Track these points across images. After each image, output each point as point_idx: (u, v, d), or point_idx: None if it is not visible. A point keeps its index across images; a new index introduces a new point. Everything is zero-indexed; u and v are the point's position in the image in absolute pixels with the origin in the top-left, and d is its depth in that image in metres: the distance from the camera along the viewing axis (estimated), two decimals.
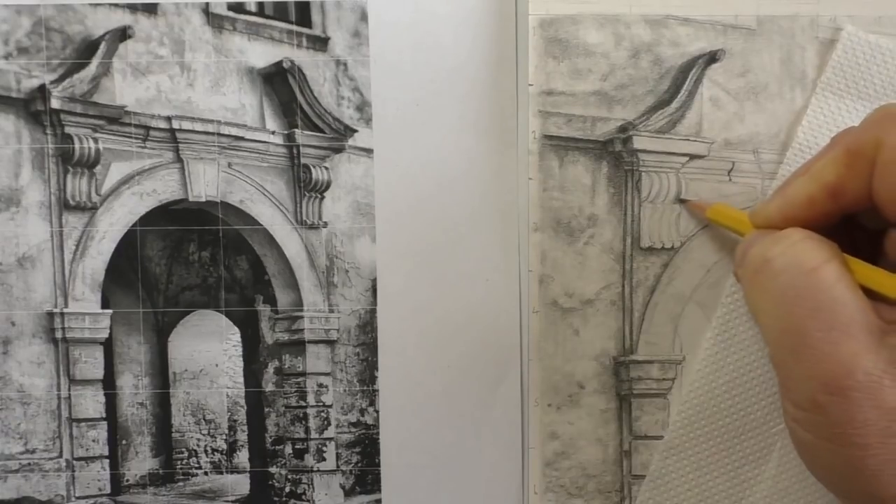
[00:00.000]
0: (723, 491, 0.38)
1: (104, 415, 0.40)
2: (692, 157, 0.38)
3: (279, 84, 0.39)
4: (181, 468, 0.41)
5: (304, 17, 0.39)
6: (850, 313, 0.26)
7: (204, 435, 0.41)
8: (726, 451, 0.37)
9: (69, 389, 0.40)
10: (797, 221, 0.30)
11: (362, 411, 0.40)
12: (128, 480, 0.40)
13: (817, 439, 0.27)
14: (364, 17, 0.39)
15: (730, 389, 0.37)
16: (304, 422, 0.40)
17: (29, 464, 0.40)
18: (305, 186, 0.40)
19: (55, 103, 0.38)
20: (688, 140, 0.38)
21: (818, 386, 0.26)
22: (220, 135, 0.39)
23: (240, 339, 0.41)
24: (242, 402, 0.41)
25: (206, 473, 0.41)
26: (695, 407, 0.37)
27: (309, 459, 0.41)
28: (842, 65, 0.37)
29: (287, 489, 0.41)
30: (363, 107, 0.39)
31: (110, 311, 0.40)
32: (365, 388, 0.40)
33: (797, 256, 0.28)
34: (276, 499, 0.41)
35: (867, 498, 0.27)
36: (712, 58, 0.38)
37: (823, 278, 0.27)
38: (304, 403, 0.40)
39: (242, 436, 0.41)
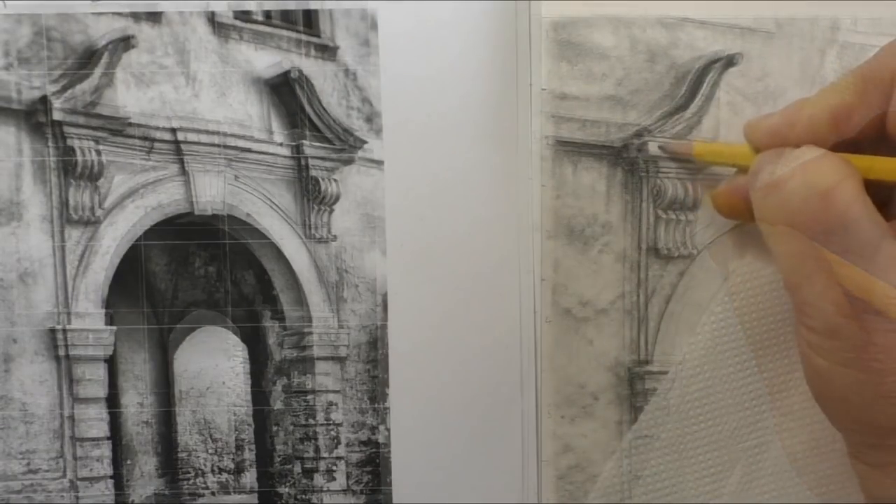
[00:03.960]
0: (678, 500, 0.35)
1: (108, 434, 0.37)
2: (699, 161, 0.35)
3: (286, 94, 0.36)
4: (187, 489, 0.38)
5: (312, 26, 0.36)
6: (865, 235, 0.24)
7: (211, 454, 0.38)
8: (688, 459, 0.35)
9: (72, 408, 0.37)
10: (792, 143, 0.27)
11: (373, 429, 0.37)
12: (133, 501, 0.37)
13: (832, 365, 0.25)
14: (373, 25, 0.35)
15: (702, 398, 0.35)
16: (313, 440, 0.37)
17: (32, 484, 0.37)
18: (314, 199, 0.37)
19: (57, 114, 0.35)
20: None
21: (834, 309, 0.24)
22: (226, 146, 0.36)
23: (247, 356, 0.37)
24: (250, 420, 0.37)
25: (213, 494, 0.38)
26: (663, 409, 0.35)
27: (318, 479, 0.37)
28: None
29: None
30: (373, 117, 0.36)
31: (114, 327, 0.37)
32: (376, 405, 0.37)
33: (809, 177, 0.25)
34: None
35: (876, 428, 0.25)
36: (730, 61, 0.35)
37: (837, 200, 0.24)
38: (313, 422, 0.37)
39: (250, 455, 0.38)
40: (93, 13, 0.35)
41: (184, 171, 0.36)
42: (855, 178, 0.25)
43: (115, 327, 0.37)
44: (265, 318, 0.37)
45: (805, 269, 0.25)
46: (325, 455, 0.37)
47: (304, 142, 0.36)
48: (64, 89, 0.35)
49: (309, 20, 0.36)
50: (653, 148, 0.35)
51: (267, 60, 0.36)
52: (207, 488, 0.37)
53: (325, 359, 0.37)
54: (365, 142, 0.36)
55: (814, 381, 0.26)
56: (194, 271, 0.37)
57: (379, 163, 0.36)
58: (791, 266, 0.26)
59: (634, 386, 0.36)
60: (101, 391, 0.37)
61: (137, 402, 0.37)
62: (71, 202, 0.36)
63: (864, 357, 0.24)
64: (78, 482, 0.37)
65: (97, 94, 0.35)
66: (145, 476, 0.37)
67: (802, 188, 0.25)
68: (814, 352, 0.26)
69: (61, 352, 0.36)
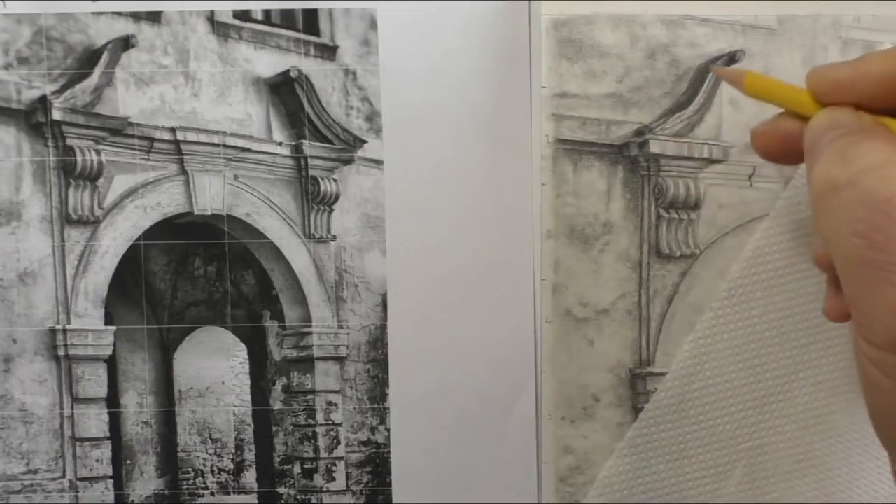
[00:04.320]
0: (677, 500, 0.34)
1: (108, 434, 0.36)
2: (711, 161, 0.35)
3: (286, 94, 0.36)
4: (187, 488, 0.37)
5: (311, 25, 0.35)
6: None
7: (210, 454, 0.37)
8: (688, 459, 0.34)
9: (72, 408, 0.36)
10: (863, 100, 0.25)
11: (373, 430, 0.36)
12: (133, 501, 0.37)
13: (893, 381, 0.23)
14: (373, 24, 0.35)
15: (702, 397, 0.34)
16: (312, 441, 0.37)
17: (31, 484, 0.36)
18: (313, 199, 0.36)
19: (56, 115, 0.35)
20: (707, 144, 0.35)
21: None
22: (225, 146, 0.36)
23: (247, 356, 0.37)
24: (249, 420, 0.37)
25: (212, 494, 0.37)
26: (663, 408, 0.34)
27: (318, 479, 0.37)
28: None
29: None
30: (372, 117, 0.35)
31: (114, 327, 0.36)
32: (375, 405, 0.36)
33: (869, 185, 0.23)
34: None
35: None
36: (731, 59, 0.34)
37: None
38: (312, 422, 0.37)
39: (250, 455, 0.37)
40: (92, 13, 0.34)
41: (183, 171, 0.36)
42: None
43: (114, 327, 0.36)
44: (265, 318, 0.37)
45: (865, 279, 0.23)
46: (325, 455, 0.37)
47: (303, 141, 0.36)
48: (63, 89, 0.35)
49: (308, 20, 0.35)
50: (654, 146, 0.34)
51: (266, 60, 0.35)
52: (207, 488, 0.37)
53: (325, 359, 0.36)
54: (364, 141, 0.36)
55: (872, 398, 0.25)
56: (194, 271, 0.36)
57: (379, 162, 0.35)
58: (850, 275, 0.24)
59: (636, 387, 0.35)
60: (101, 391, 0.36)
61: (137, 402, 0.36)
62: (70, 202, 0.35)
63: None
64: (78, 482, 0.36)
65: (96, 93, 0.35)
66: (145, 476, 0.37)
67: (863, 195, 0.23)
68: (875, 367, 0.24)
69: (61, 352, 0.36)
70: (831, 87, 0.26)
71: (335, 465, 0.37)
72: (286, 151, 0.36)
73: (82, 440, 0.36)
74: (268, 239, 0.36)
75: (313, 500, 0.37)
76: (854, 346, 0.25)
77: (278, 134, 0.36)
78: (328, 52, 0.35)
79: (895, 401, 0.23)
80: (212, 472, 0.37)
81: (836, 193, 0.24)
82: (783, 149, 0.27)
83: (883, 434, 0.25)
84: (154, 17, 0.35)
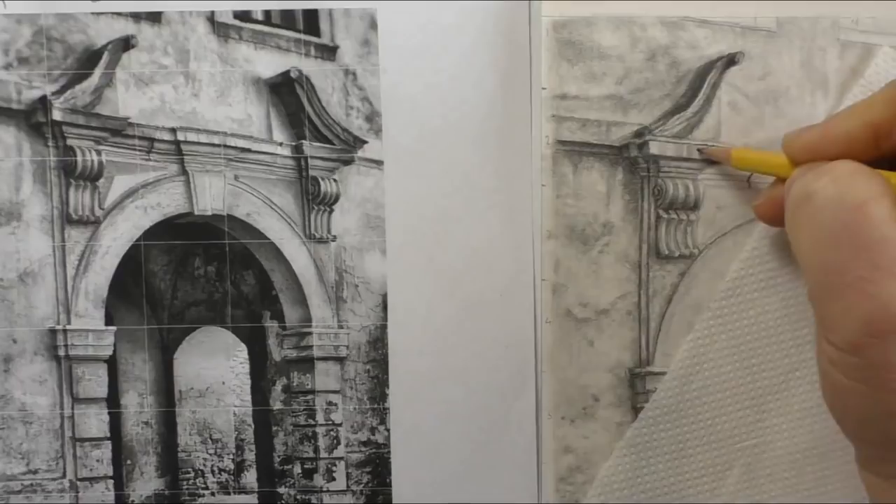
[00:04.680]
0: (676, 499, 0.34)
1: (108, 434, 0.36)
2: (710, 162, 0.34)
3: (286, 94, 0.36)
4: (187, 489, 0.37)
5: (311, 26, 0.35)
6: None
7: (210, 454, 0.37)
8: (687, 459, 0.34)
9: (72, 408, 0.36)
10: (830, 158, 0.26)
11: (373, 430, 0.36)
12: (133, 501, 0.37)
13: (851, 381, 0.24)
14: (373, 25, 0.35)
15: (701, 397, 0.34)
16: (313, 441, 0.37)
17: (31, 484, 0.36)
18: (314, 199, 0.36)
19: (57, 115, 0.35)
20: (706, 145, 0.35)
21: (859, 327, 0.23)
22: (226, 146, 0.36)
23: (247, 356, 0.37)
24: (250, 420, 0.37)
25: (212, 494, 0.37)
26: (662, 408, 0.34)
27: (318, 479, 0.37)
28: (872, 84, 0.33)
29: None
30: (373, 117, 0.35)
31: (114, 327, 0.36)
32: (375, 406, 0.36)
33: (842, 191, 0.24)
34: None
35: (893, 442, 0.24)
36: (731, 60, 0.34)
37: (870, 215, 0.23)
38: (312, 422, 0.37)
39: (250, 455, 0.37)
40: (92, 13, 0.34)
41: (183, 171, 0.36)
42: (889, 195, 0.24)
43: (114, 327, 0.36)
44: (265, 318, 0.37)
45: (831, 283, 0.24)
46: (325, 455, 0.37)
47: (303, 142, 0.36)
48: (63, 89, 0.34)
49: (308, 20, 0.35)
50: (654, 147, 0.34)
51: (266, 60, 0.35)
52: (207, 488, 0.37)
53: (325, 359, 0.36)
54: (365, 141, 0.36)
55: (831, 396, 0.26)
56: (194, 271, 0.36)
57: (379, 163, 0.35)
58: (817, 280, 0.25)
59: (635, 387, 0.35)
60: (101, 391, 0.36)
61: (137, 403, 0.36)
62: (71, 202, 0.35)
63: (885, 377, 0.23)
64: (78, 482, 0.36)
65: (97, 94, 0.35)
66: (145, 476, 0.37)
67: (834, 202, 0.24)
68: (834, 368, 0.25)
69: (61, 352, 0.36)
70: (803, 149, 0.28)
71: (335, 465, 0.37)
72: (286, 152, 0.36)
73: (82, 440, 0.36)
74: (268, 239, 0.36)
75: (313, 500, 0.37)
76: (816, 349, 0.26)
77: (279, 134, 0.36)
78: (328, 52, 0.35)
79: (855, 399, 0.24)
80: (212, 472, 0.37)
81: (808, 201, 0.25)
82: (781, 212, 0.29)
83: (845, 428, 0.26)
84: (154, 18, 0.35)
